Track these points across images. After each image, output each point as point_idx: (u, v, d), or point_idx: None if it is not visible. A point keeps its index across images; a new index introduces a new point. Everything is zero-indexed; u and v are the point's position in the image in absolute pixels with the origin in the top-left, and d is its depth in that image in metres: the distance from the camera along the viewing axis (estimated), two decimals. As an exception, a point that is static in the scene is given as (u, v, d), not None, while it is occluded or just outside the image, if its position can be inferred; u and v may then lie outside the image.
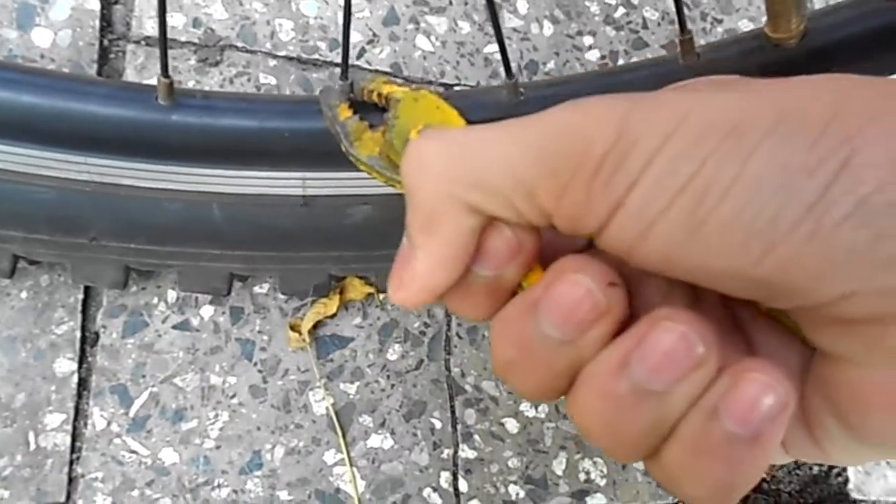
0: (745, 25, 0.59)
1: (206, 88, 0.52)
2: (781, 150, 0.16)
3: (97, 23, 0.52)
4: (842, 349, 0.17)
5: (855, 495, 0.53)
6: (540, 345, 0.18)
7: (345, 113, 0.34)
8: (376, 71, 0.54)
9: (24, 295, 0.47)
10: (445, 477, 0.49)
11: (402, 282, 0.20)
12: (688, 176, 0.16)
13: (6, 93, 0.36)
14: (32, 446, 0.45)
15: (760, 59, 0.35)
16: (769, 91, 0.17)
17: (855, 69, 0.34)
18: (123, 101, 0.38)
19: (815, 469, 0.53)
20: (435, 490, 0.48)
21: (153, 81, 0.52)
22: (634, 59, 0.57)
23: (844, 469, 0.53)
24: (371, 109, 0.32)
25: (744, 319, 0.21)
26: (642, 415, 0.17)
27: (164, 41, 0.35)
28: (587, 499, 0.50)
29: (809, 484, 0.53)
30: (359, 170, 0.30)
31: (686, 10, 0.59)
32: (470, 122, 0.25)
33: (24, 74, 0.37)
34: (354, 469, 0.47)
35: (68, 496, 0.45)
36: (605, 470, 0.50)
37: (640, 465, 0.51)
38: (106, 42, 0.52)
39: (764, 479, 0.53)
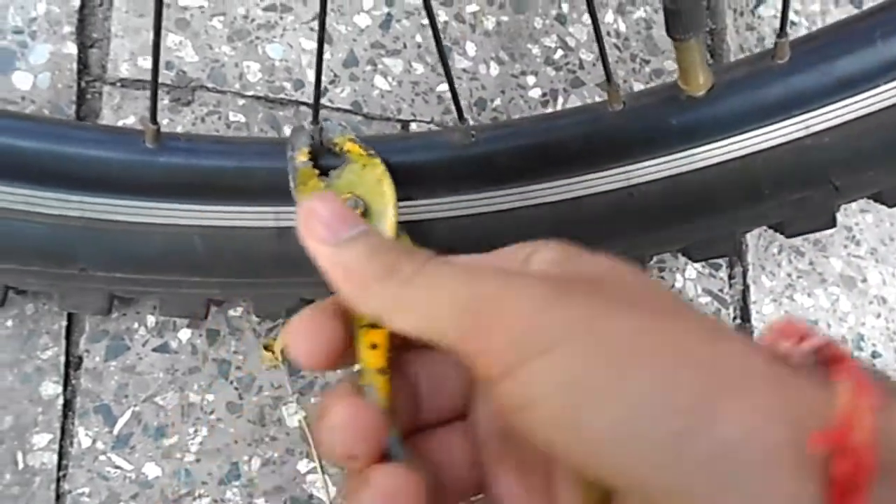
0: (670, 66, 0.66)
1: (180, 127, 0.56)
2: (663, 383, 0.18)
3: (74, 66, 0.55)
4: None
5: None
6: None
7: (302, 157, 0.37)
8: (338, 109, 0.59)
9: (9, 323, 0.50)
10: (409, 481, 0.53)
11: (326, 226, 0.22)
12: (577, 373, 0.19)
13: (6, 139, 0.40)
14: (21, 465, 0.48)
15: (676, 107, 0.41)
16: (660, 323, 0.19)
17: (752, 116, 0.40)
18: (114, 145, 0.42)
19: None
20: (400, 493, 0.53)
21: (129, 121, 0.56)
22: (572, 97, 0.64)
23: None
24: (332, 157, 0.37)
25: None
26: None
27: (154, 92, 0.39)
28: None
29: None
30: None
31: (616, 52, 0.66)
32: (401, 191, 0.29)
33: (24, 121, 0.41)
34: (326, 476, 0.52)
35: (56, 512, 0.48)
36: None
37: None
38: (83, 84, 0.56)
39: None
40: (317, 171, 0.34)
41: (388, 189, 0.29)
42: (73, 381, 0.50)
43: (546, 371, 0.19)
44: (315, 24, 0.60)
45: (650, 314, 0.20)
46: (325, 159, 0.38)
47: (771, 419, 0.17)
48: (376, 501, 0.21)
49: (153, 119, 0.41)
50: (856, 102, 0.40)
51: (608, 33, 0.66)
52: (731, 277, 0.62)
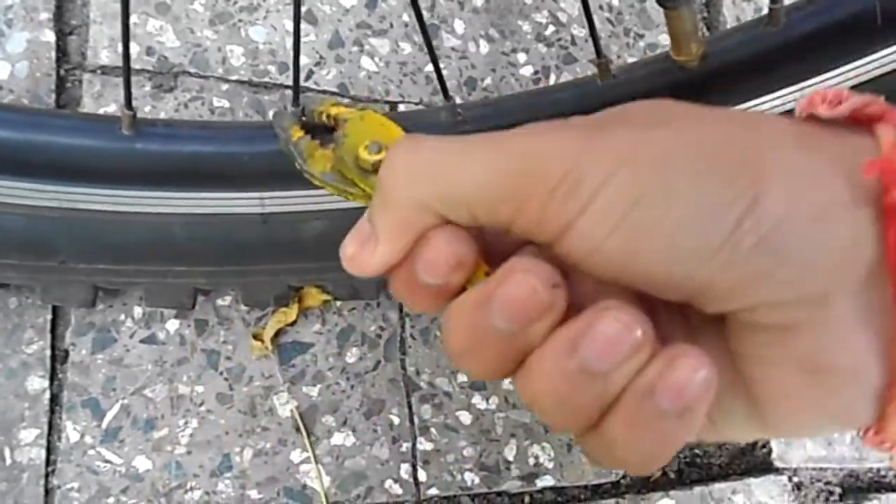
0: (665, 40, 0.65)
1: (162, 114, 0.55)
2: (704, 186, 0.19)
3: (53, 54, 0.54)
4: (758, 351, 0.21)
5: (778, 464, 0.58)
6: (491, 334, 0.21)
7: (297, 134, 0.37)
8: (324, 92, 0.58)
9: (-7, 318, 0.49)
10: (405, 468, 0.52)
11: (360, 254, 0.23)
12: (628, 208, 0.19)
13: (-24, 129, 0.39)
14: (8, 461, 0.47)
15: (667, 79, 0.39)
16: (694, 130, 0.20)
17: (746, 86, 0.39)
18: (90, 132, 0.41)
19: (743, 442, 0.58)
20: (396, 481, 0.52)
21: (111, 108, 0.55)
22: (565, 74, 0.62)
23: (768, 441, 0.58)
24: (321, 130, 0.36)
25: (669, 311, 0.23)
26: (587, 392, 0.20)
27: (127, 77, 0.38)
28: (537, 481, 0.54)
29: (737, 456, 0.58)
30: (313, 185, 0.33)
31: (610, 26, 0.64)
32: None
33: (-6, 111, 0.39)
34: (320, 466, 0.51)
35: (45, 507, 0.47)
36: (552, 454, 0.55)
37: (584, 448, 0.56)
38: (63, 72, 0.54)
39: (696, 454, 0.58)
40: (318, 142, 0.33)
41: (395, 127, 0.28)
42: (60, 375, 0.49)
43: (599, 217, 0.20)
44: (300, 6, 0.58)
45: (680, 125, 0.21)
46: (314, 133, 0.37)
47: (815, 183, 0.19)
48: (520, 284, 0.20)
49: (128, 105, 0.40)
50: (857, 67, 0.38)
51: (600, 7, 0.64)
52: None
